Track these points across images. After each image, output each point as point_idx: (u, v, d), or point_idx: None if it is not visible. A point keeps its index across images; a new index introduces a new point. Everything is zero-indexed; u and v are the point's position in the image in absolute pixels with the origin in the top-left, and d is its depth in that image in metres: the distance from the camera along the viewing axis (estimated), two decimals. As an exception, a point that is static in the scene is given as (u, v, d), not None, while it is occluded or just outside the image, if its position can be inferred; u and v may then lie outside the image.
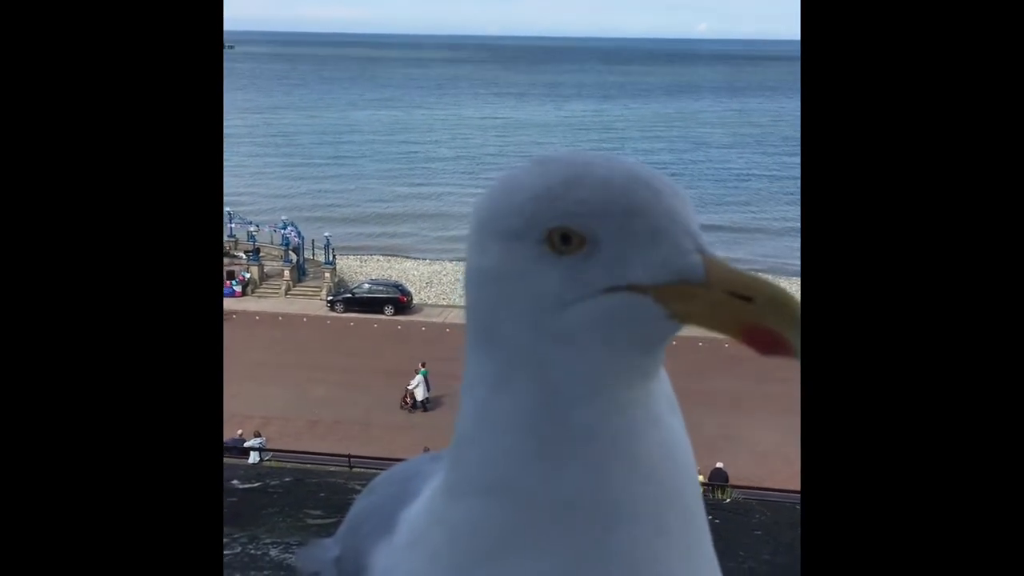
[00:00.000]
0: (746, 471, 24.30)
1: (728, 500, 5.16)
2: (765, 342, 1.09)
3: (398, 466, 1.61)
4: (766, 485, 20.79)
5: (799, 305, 1.09)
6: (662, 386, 1.20)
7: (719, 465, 23.81)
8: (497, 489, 1.17)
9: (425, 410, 30.87)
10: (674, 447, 1.19)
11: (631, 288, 1.10)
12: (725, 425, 28.58)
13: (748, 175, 74.20)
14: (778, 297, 1.09)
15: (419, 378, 31.07)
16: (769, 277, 1.16)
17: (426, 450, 23.81)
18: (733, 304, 1.09)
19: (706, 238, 1.13)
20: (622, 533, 1.14)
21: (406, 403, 31.08)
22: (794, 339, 1.08)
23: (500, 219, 1.17)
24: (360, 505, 1.55)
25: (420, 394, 31.03)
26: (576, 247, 1.11)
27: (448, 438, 1.27)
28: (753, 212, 61.14)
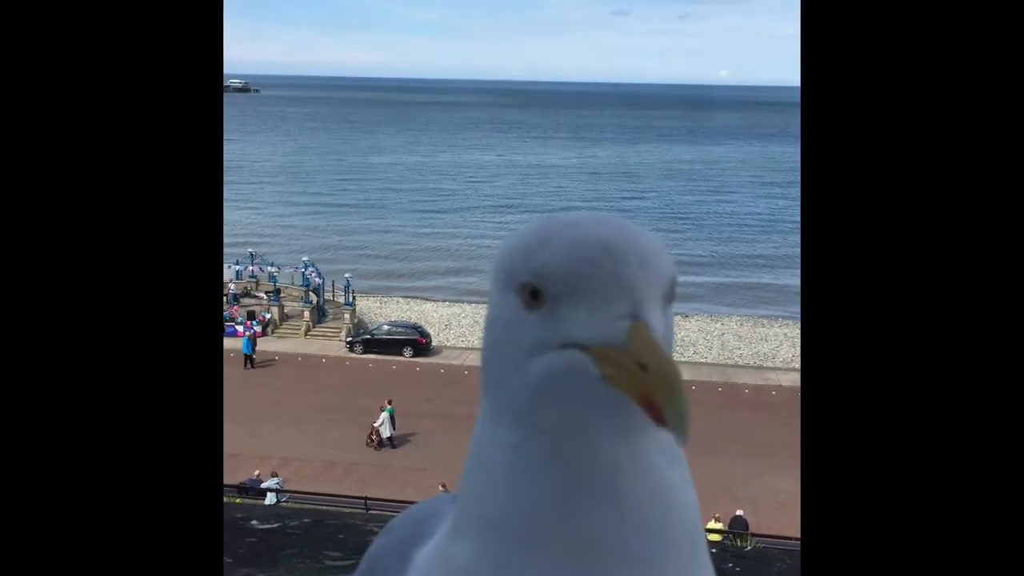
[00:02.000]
0: (767, 519, 23.95)
1: (749, 548, 5.09)
2: (655, 414, 1.10)
3: (416, 506, 1.63)
4: (787, 534, 20.46)
5: (680, 384, 1.10)
6: (659, 437, 1.19)
7: (739, 512, 23.50)
8: (489, 530, 1.21)
9: (392, 447, 31.40)
10: (669, 498, 1.20)
11: (578, 347, 1.14)
12: (745, 472, 28.27)
13: (774, 220, 74.02)
14: (664, 372, 1.11)
15: (384, 415, 31.60)
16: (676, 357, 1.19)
17: (443, 489, 23.78)
18: (636, 373, 1.11)
19: (652, 304, 1.15)
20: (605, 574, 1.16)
21: (372, 440, 31.49)
22: (671, 416, 1.09)
23: (497, 270, 1.25)
24: (377, 545, 1.56)
25: (385, 431, 31.59)
26: (542, 303, 1.17)
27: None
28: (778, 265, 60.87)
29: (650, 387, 1.10)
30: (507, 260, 1.22)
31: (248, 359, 39.34)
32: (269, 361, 40.14)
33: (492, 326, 1.25)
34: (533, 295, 1.17)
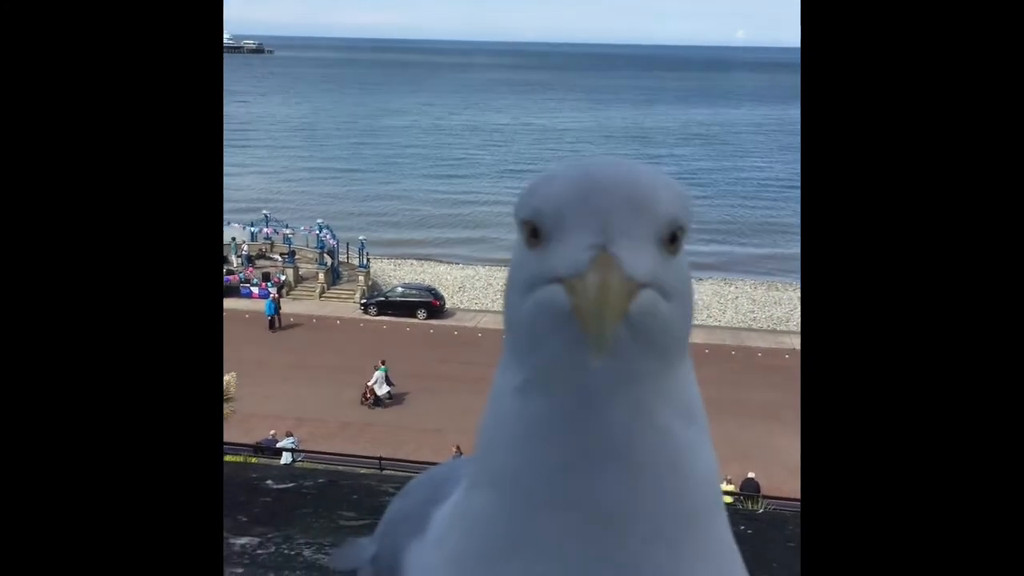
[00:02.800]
0: (779, 482, 24.07)
1: (761, 511, 5.13)
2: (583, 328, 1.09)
3: (434, 469, 1.64)
4: (799, 496, 20.55)
5: (606, 303, 1.07)
6: (675, 395, 1.18)
7: (751, 475, 23.62)
8: (501, 482, 1.20)
9: (384, 406, 31.98)
10: (679, 458, 1.17)
11: (560, 280, 1.12)
12: (758, 435, 28.38)
13: (790, 184, 73.57)
14: (596, 289, 1.08)
15: (378, 375, 32.14)
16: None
17: (457, 450, 23.95)
18: (587, 298, 1.09)
19: (631, 240, 1.11)
20: (616, 539, 1.15)
21: (366, 398, 32.04)
22: (585, 328, 1.07)
23: (515, 209, 1.24)
24: (396, 506, 1.57)
25: (380, 391, 32.10)
26: (540, 241, 1.17)
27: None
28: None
29: (580, 306, 1.08)
30: (518, 200, 1.23)
31: (273, 320, 39.52)
32: (292, 324, 40.35)
33: (510, 267, 1.25)
34: (533, 233, 1.17)
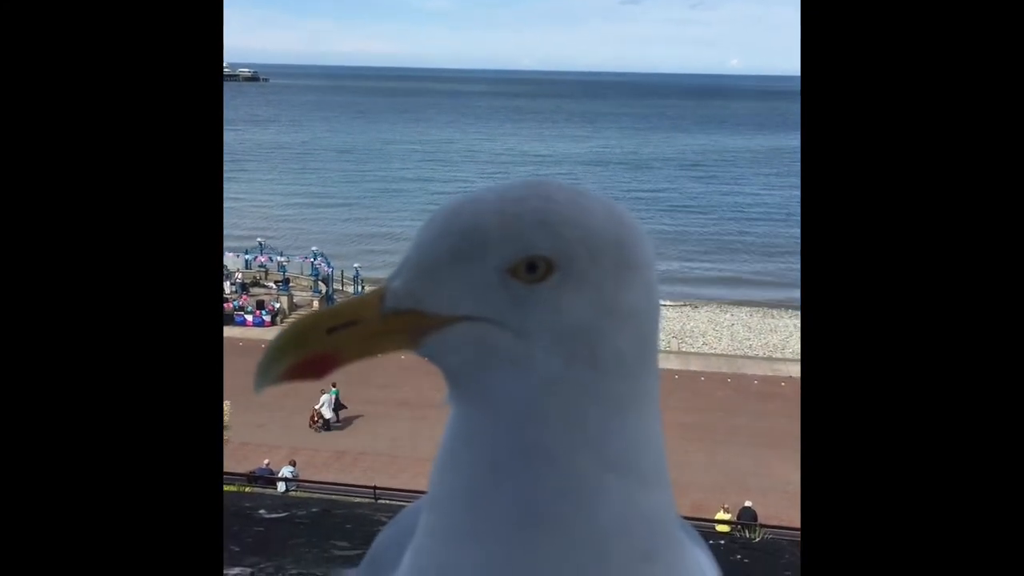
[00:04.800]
0: (777, 510, 23.95)
1: (758, 539, 5.09)
2: None
3: (422, 498, 1.62)
4: (797, 525, 20.45)
5: (277, 340, 1.18)
6: (609, 449, 1.15)
7: (748, 504, 23.49)
8: (430, 504, 1.23)
9: (329, 429, 32.27)
10: (584, 501, 1.14)
11: None
12: (755, 463, 28.25)
13: (784, 210, 73.83)
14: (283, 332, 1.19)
15: (325, 398, 32.29)
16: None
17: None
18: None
19: (419, 272, 1.17)
20: (534, 561, 1.13)
21: (314, 422, 32.25)
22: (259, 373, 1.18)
23: None
24: (382, 536, 1.57)
25: (327, 413, 32.37)
26: None
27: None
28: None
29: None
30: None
31: None
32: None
33: None
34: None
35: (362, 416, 33.22)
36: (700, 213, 73.07)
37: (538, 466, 1.13)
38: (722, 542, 4.91)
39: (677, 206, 76.16)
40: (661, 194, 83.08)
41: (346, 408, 33.03)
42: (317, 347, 1.17)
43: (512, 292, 1.13)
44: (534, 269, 1.13)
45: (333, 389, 32.63)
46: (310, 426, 32.12)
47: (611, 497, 1.15)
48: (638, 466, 1.17)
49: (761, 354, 42.22)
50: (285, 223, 65.91)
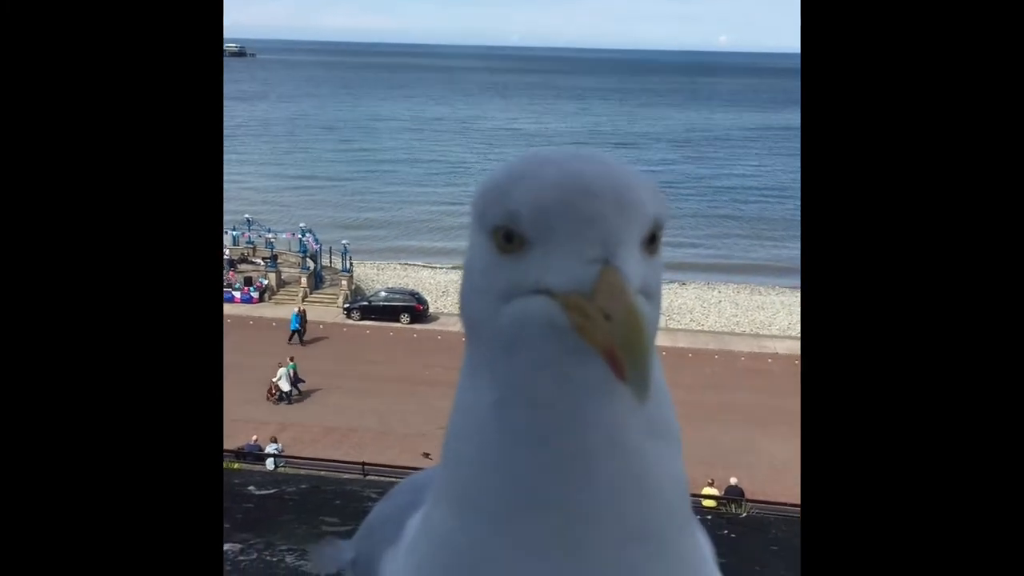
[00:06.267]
0: (763, 486, 24.14)
1: (744, 515, 5.14)
2: (616, 368, 1.02)
3: (417, 474, 1.62)
4: (783, 500, 20.64)
5: (642, 337, 1.01)
6: (648, 408, 1.11)
7: (733, 481, 23.65)
8: (463, 501, 1.17)
9: (289, 402, 32.68)
10: (646, 476, 1.13)
11: (549, 293, 1.07)
12: (741, 439, 28.44)
13: (774, 187, 73.87)
14: (628, 323, 1.01)
15: (282, 371, 32.86)
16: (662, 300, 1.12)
17: (426, 457, 23.77)
18: (600, 322, 1.02)
19: (628, 248, 1.07)
20: (574, 560, 1.11)
21: (271, 395, 32.68)
22: (629, 371, 1.00)
23: (472, 209, 1.17)
24: (376, 511, 1.57)
25: (284, 386, 32.86)
26: (516, 246, 1.10)
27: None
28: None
29: (612, 338, 1.01)
30: (481, 201, 1.15)
31: (298, 335, 38.92)
32: (266, 327, 40.12)
33: (469, 271, 1.18)
34: (506, 238, 1.10)
35: (320, 389, 33.70)
36: (690, 190, 73.01)
37: (593, 437, 1.10)
38: (709, 517, 4.96)
39: (667, 182, 76.06)
40: (653, 169, 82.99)
41: (304, 381, 33.56)
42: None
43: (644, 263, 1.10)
44: (654, 239, 1.13)
45: (291, 363, 33.27)
46: (268, 399, 32.50)
47: (660, 461, 1.14)
48: (669, 429, 1.17)
49: (748, 331, 42.40)
50: (273, 199, 65.60)
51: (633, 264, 1.06)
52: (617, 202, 1.07)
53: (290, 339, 38.70)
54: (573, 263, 1.05)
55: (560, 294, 1.05)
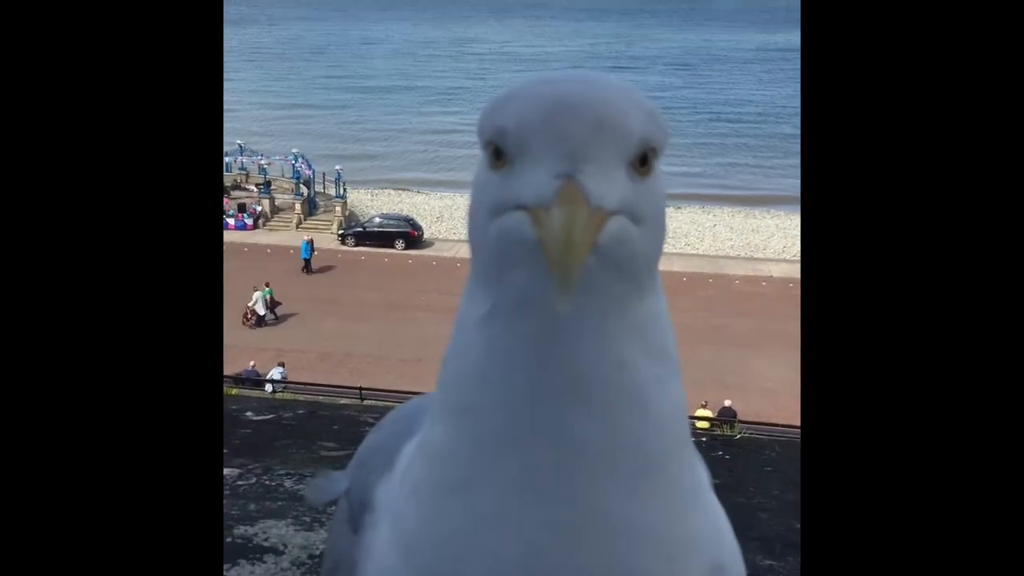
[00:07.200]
0: (756, 408, 24.43)
1: (739, 436, 5.20)
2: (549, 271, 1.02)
3: (407, 403, 1.63)
4: (776, 422, 20.90)
5: (576, 244, 1.01)
6: (644, 329, 1.14)
7: (727, 403, 23.91)
8: (463, 415, 1.18)
9: (262, 326, 33.10)
10: (643, 396, 1.14)
11: (523, 208, 1.07)
12: (735, 362, 28.70)
13: (773, 109, 73.22)
14: (563, 227, 1.01)
15: (257, 295, 33.25)
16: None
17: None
18: (552, 235, 1.02)
19: (599, 165, 1.06)
20: (573, 476, 1.12)
21: (247, 319, 32.99)
22: (553, 277, 1.00)
23: (477, 128, 1.18)
24: (369, 441, 1.57)
25: (260, 310, 33.39)
26: (504, 163, 1.11)
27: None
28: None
29: (549, 251, 1.01)
30: (480, 118, 1.16)
31: (307, 264, 38.75)
32: (261, 254, 40.03)
33: (473, 188, 1.20)
34: (496, 154, 1.12)
35: (297, 314, 34.01)
36: (688, 112, 72.31)
37: (588, 361, 1.11)
38: (704, 439, 5.02)
39: (666, 107, 75.15)
40: (652, 94, 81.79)
41: (280, 305, 33.92)
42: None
43: (632, 185, 1.10)
44: (645, 161, 1.12)
45: (266, 288, 33.52)
46: (244, 323, 32.70)
47: (658, 386, 1.16)
48: (668, 355, 1.18)
49: (743, 254, 42.46)
50: (265, 125, 64.90)
51: (602, 181, 1.06)
52: (593, 119, 1.07)
53: (303, 268, 38.55)
54: (542, 178, 1.05)
55: (529, 208, 1.06)
